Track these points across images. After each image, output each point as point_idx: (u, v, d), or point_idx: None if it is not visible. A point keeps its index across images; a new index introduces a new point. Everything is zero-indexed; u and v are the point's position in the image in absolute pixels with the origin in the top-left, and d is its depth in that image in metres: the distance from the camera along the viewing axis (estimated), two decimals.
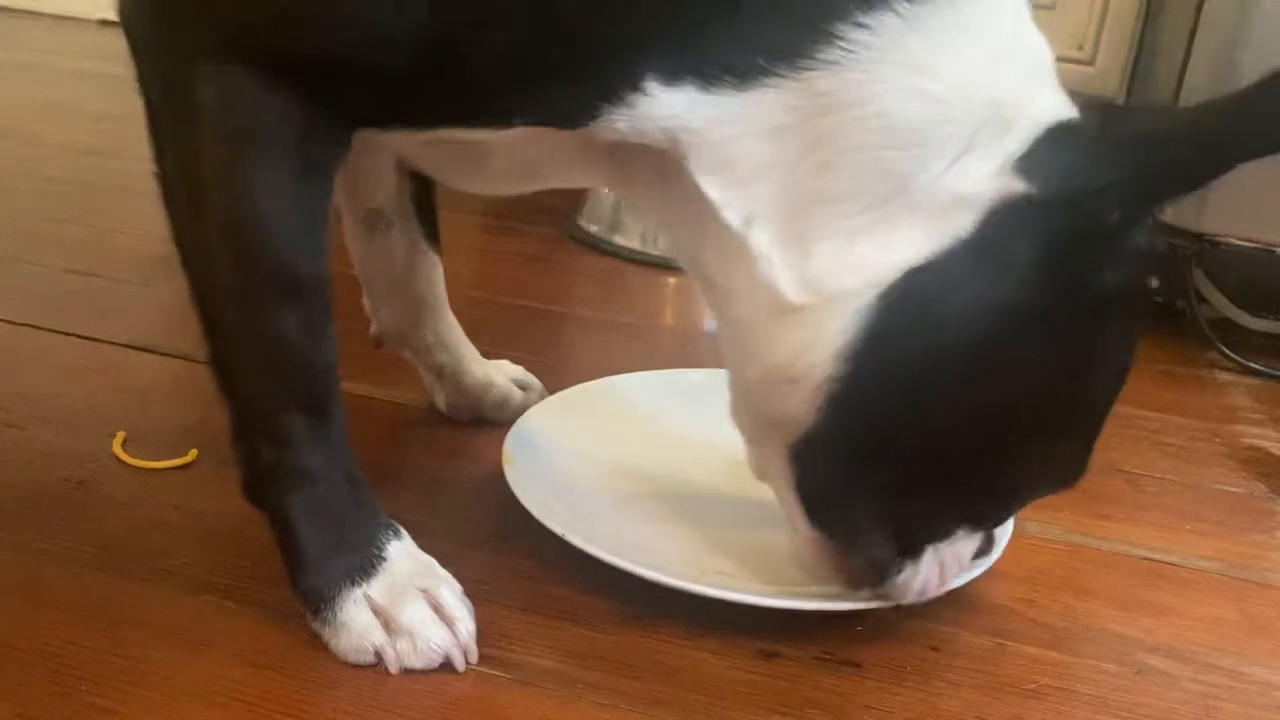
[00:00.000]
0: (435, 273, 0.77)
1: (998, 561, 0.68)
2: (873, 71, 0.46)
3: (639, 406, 0.82)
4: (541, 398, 0.85)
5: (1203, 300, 1.10)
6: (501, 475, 0.76)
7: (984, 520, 0.59)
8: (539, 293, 1.14)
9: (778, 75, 0.47)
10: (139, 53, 0.52)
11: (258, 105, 0.49)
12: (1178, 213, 1.07)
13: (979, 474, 0.55)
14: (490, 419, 0.82)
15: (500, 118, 0.49)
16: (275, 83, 0.48)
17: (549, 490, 0.69)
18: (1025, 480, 0.56)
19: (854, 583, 0.59)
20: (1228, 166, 0.46)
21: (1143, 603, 0.69)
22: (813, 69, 0.46)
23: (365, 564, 0.57)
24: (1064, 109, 0.50)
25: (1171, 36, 1.17)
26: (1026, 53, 0.51)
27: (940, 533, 0.57)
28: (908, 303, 0.48)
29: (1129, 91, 1.36)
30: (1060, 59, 1.56)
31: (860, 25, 0.46)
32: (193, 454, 0.73)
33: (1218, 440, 0.92)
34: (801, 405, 0.51)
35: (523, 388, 0.84)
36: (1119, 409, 0.96)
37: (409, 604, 0.56)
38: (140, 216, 1.23)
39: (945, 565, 0.59)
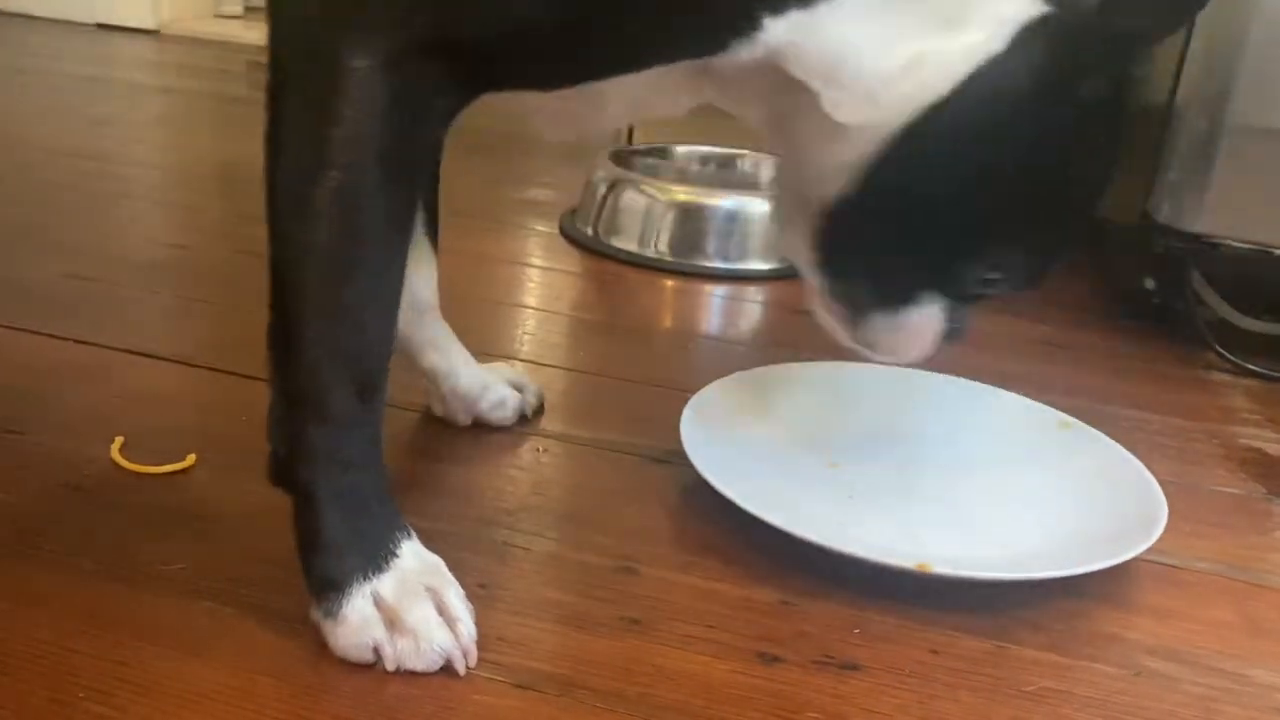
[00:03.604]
0: (432, 273, 0.78)
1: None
2: None
3: (811, 393, 0.86)
4: (539, 400, 0.85)
5: (1200, 302, 1.10)
6: (497, 476, 0.76)
7: (950, 286, 0.65)
8: (536, 295, 1.14)
9: None
10: (284, 18, 0.55)
11: (411, 75, 0.52)
12: (1175, 214, 1.08)
13: (959, 239, 0.63)
14: (487, 422, 0.82)
15: (637, 64, 0.56)
16: (431, 53, 0.52)
17: (732, 470, 0.73)
18: (992, 253, 0.64)
19: (849, 331, 0.68)
20: None
21: (1141, 605, 0.69)
22: None
23: (379, 559, 0.58)
24: None
25: (1166, 39, 1.17)
26: None
27: (917, 289, 0.65)
28: (960, 102, 0.57)
29: None
30: None
31: None
32: (191, 459, 0.73)
33: (1215, 441, 0.92)
34: (849, 171, 0.60)
35: (519, 390, 0.84)
36: (1115, 410, 0.97)
37: (417, 604, 0.57)
38: (139, 221, 1.23)
39: (915, 333, 0.67)
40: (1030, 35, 0.56)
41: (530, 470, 0.78)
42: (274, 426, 0.58)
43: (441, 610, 0.57)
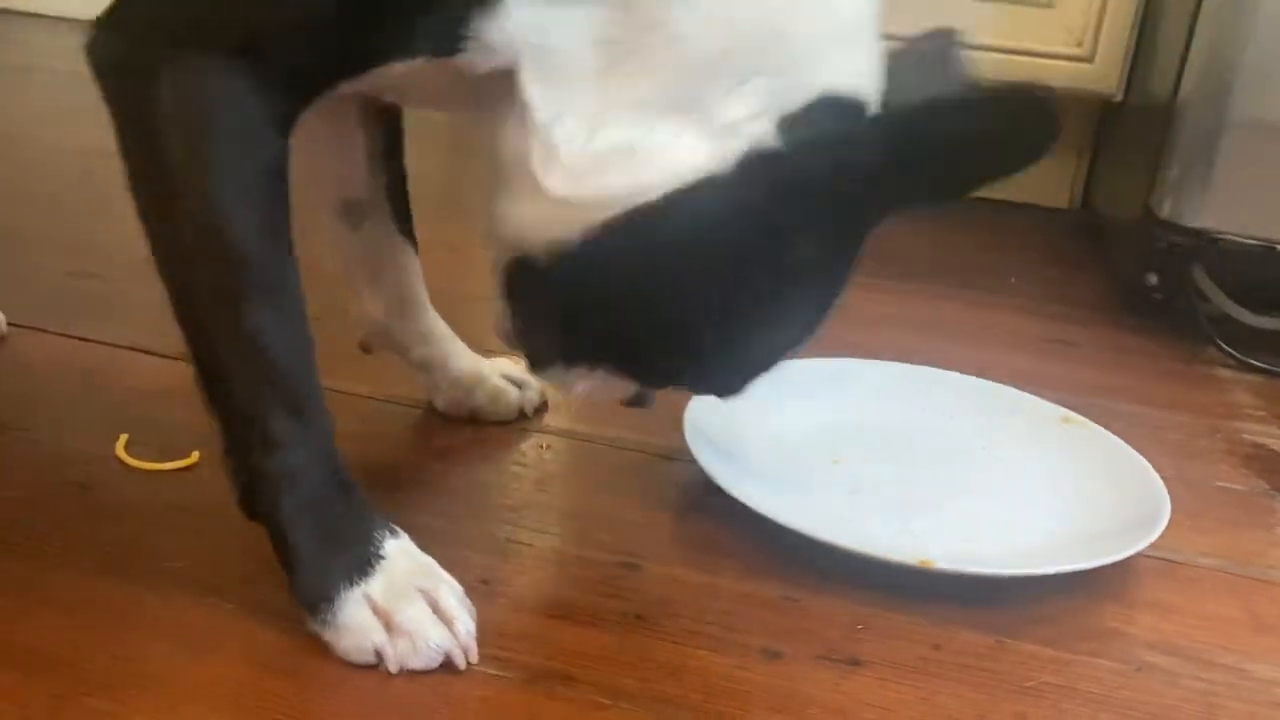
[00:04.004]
0: (413, 264, 0.78)
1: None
2: None
3: (814, 389, 0.86)
4: (541, 396, 0.85)
5: (1202, 297, 1.10)
6: (501, 472, 0.77)
7: (634, 376, 0.62)
8: None
9: None
10: (104, 79, 0.55)
11: (210, 90, 0.52)
12: (1177, 210, 1.07)
13: (637, 341, 0.59)
14: (487, 416, 0.82)
15: (387, 57, 0.53)
16: (223, 66, 0.52)
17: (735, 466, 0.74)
18: (667, 367, 0.61)
19: (519, 347, 0.64)
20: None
21: (1144, 600, 0.69)
22: None
23: (362, 563, 0.58)
24: (852, 77, 0.53)
25: (1170, 33, 1.17)
26: (836, 10, 0.53)
27: (594, 362, 0.61)
28: (652, 217, 0.53)
29: (1127, 88, 1.36)
30: (1059, 56, 1.57)
31: None
32: (195, 455, 0.73)
33: (1219, 437, 0.92)
34: (546, 244, 0.56)
35: (520, 386, 0.84)
36: (1118, 405, 0.96)
37: (408, 604, 0.57)
38: None
39: (594, 388, 0.63)
40: (759, 168, 0.52)
41: (534, 467, 0.78)
42: (228, 464, 0.59)
43: (436, 609, 0.57)
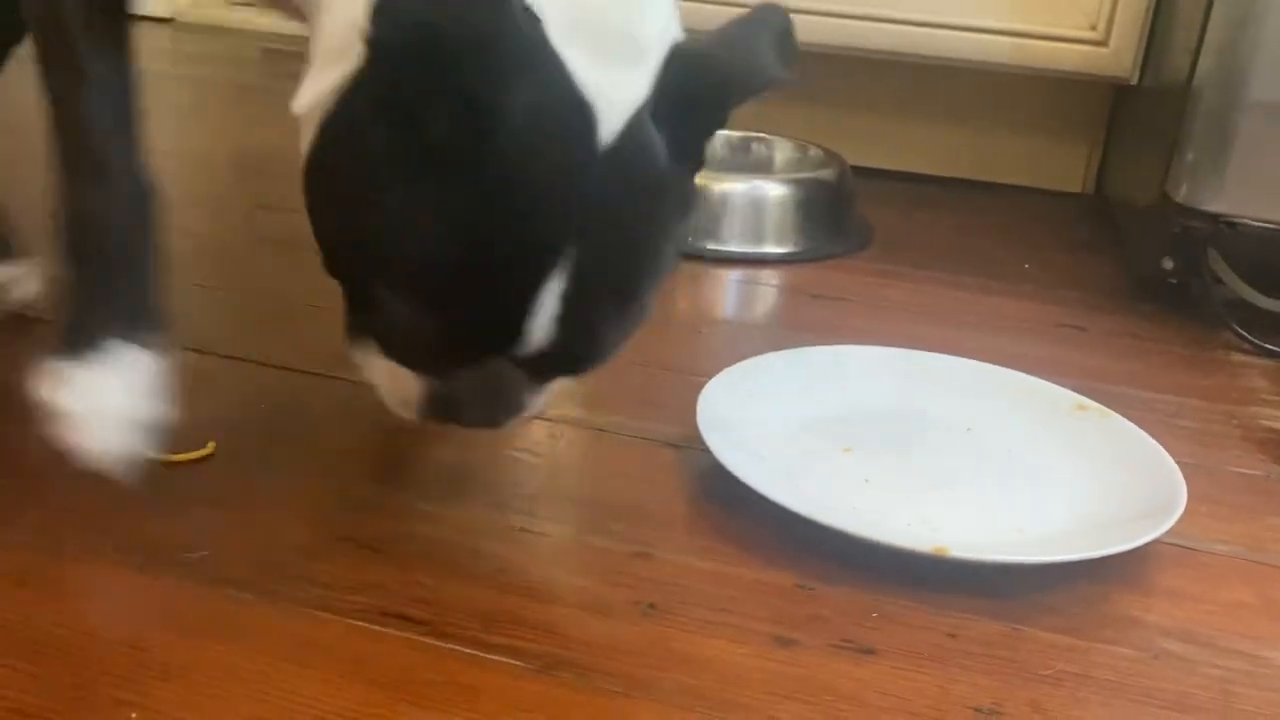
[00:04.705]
0: None
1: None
2: None
3: (826, 377, 0.87)
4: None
5: (1218, 281, 1.10)
6: (514, 461, 0.77)
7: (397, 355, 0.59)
8: None
9: None
10: None
11: None
12: (1193, 194, 1.07)
13: (360, 291, 0.58)
14: None
15: None
16: None
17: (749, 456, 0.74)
18: (383, 323, 0.58)
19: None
20: None
21: (1159, 587, 0.69)
22: None
23: (80, 345, 0.65)
24: None
25: (1185, 16, 1.16)
26: None
27: (367, 331, 0.60)
28: (324, 123, 0.56)
29: (1142, 71, 1.35)
30: (1073, 40, 1.56)
31: None
32: (211, 446, 0.73)
33: (1234, 423, 0.92)
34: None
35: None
36: (1132, 391, 0.96)
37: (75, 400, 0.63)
38: None
39: (395, 387, 0.60)
40: (379, 53, 0.52)
41: (547, 456, 0.78)
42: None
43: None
